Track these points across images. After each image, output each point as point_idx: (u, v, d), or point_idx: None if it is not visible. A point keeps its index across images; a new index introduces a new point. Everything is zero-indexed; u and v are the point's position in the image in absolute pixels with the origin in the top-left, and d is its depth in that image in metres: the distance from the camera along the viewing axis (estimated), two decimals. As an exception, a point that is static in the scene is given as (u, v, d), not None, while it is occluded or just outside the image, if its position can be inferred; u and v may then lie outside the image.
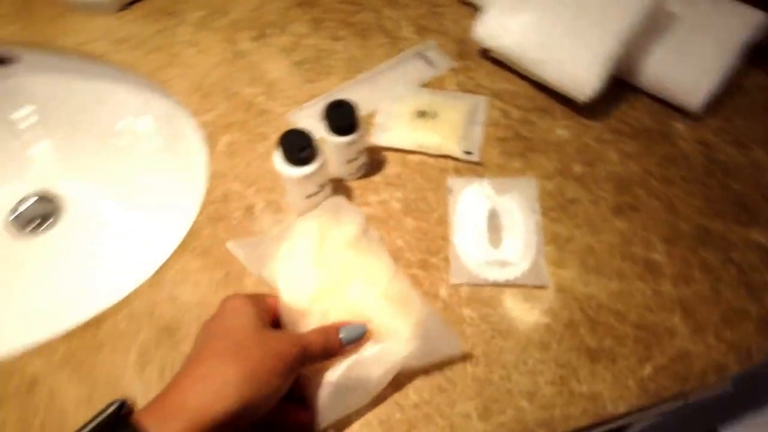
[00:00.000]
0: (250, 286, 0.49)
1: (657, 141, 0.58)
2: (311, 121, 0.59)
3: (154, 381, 0.44)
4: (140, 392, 0.44)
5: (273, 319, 0.43)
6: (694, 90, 0.57)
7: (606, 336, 0.46)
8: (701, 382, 0.45)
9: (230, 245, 0.50)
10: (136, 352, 0.46)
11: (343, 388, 0.42)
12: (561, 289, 0.49)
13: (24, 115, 0.75)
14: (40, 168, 0.76)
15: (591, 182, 0.55)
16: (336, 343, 0.41)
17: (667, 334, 0.46)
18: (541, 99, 0.61)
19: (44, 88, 0.72)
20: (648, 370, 0.45)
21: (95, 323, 0.47)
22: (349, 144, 0.51)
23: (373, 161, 0.56)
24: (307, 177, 0.47)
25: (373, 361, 0.42)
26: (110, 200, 0.72)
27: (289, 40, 0.68)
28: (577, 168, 0.56)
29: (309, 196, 0.50)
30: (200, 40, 0.68)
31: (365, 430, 0.42)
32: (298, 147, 0.46)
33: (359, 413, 0.43)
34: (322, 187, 0.50)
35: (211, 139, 0.59)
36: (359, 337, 0.42)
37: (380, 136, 0.57)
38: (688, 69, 0.58)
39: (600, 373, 0.45)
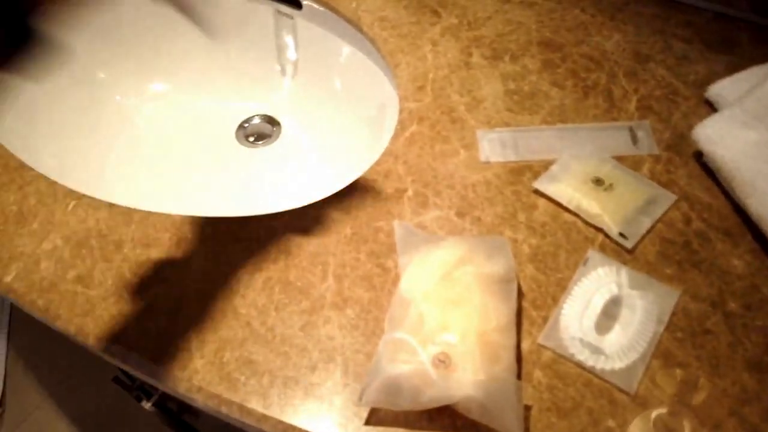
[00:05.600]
0: (366, 249, 0.53)
1: None
2: (493, 144, 0.62)
3: (257, 286, 0.51)
4: (243, 286, 0.51)
5: None
6: None
7: (666, 475, 0.42)
8: None
9: (396, 223, 0.53)
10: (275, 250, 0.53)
11: (397, 385, 0.43)
12: (643, 405, 0.45)
13: (291, 52, 0.89)
14: (277, 95, 0.90)
15: (740, 326, 0.49)
16: None
17: None
18: (732, 222, 0.56)
19: (311, 35, 0.85)
20: None
21: (242, 219, 0.56)
22: None
23: (528, 203, 0.57)
24: None
25: (435, 382, 0.43)
26: (311, 141, 0.84)
27: (515, 70, 0.71)
28: (733, 305, 0.51)
29: None
30: (442, 41, 0.74)
31: (389, 419, 0.44)
32: None
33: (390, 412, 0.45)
34: None
35: (402, 124, 0.65)
36: None
37: (546, 184, 0.58)
38: None
39: (638, 506, 0.41)
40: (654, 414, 0.45)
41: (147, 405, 0.85)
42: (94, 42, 0.83)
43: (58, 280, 0.53)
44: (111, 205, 0.58)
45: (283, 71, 0.90)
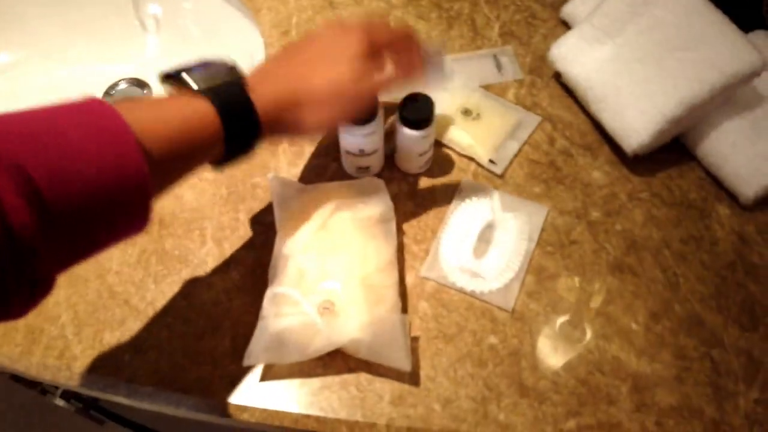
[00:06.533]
0: (244, 208, 0.52)
1: (692, 217, 0.55)
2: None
3: (132, 260, 0.49)
4: (117, 263, 0.49)
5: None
6: (750, 179, 0.54)
7: (544, 378, 0.46)
8: (620, 458, 0.43)
9: (271, 177, 0.51)
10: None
11: (282, 340, 0.43)
12: (521, 319, 0.48)
13: (150, 5, 0.82)
14: (143, 55, 0.84)
15: (602, 232, 0.53)
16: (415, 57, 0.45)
17: (607, 400, 0.45)
18: (592, 137, 0.59)
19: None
20: (571, 424, 0.44)
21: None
22: (424, 137, 0.51)
23: (402, 140, 0.58)
24: (424, 137, 0.51)
25: (321, 330, 0.43)
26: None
27: (380, 6, 0.70)
28: (596, 214, 0.54)
29: (421, 154, 0.53)
30: (302, -18, 0.72)
31: (284, 372, 0.45)
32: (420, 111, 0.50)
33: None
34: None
35: (270, 73, 0.63)
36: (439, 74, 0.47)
37: (417, 120, 0.58)
38: (752, 157, 0.54)
39: (522, 409, 0.44)
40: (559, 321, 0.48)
41: (57, 400, 0.81)
42: None
43: None
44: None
45: (143, 27, 0.84)
